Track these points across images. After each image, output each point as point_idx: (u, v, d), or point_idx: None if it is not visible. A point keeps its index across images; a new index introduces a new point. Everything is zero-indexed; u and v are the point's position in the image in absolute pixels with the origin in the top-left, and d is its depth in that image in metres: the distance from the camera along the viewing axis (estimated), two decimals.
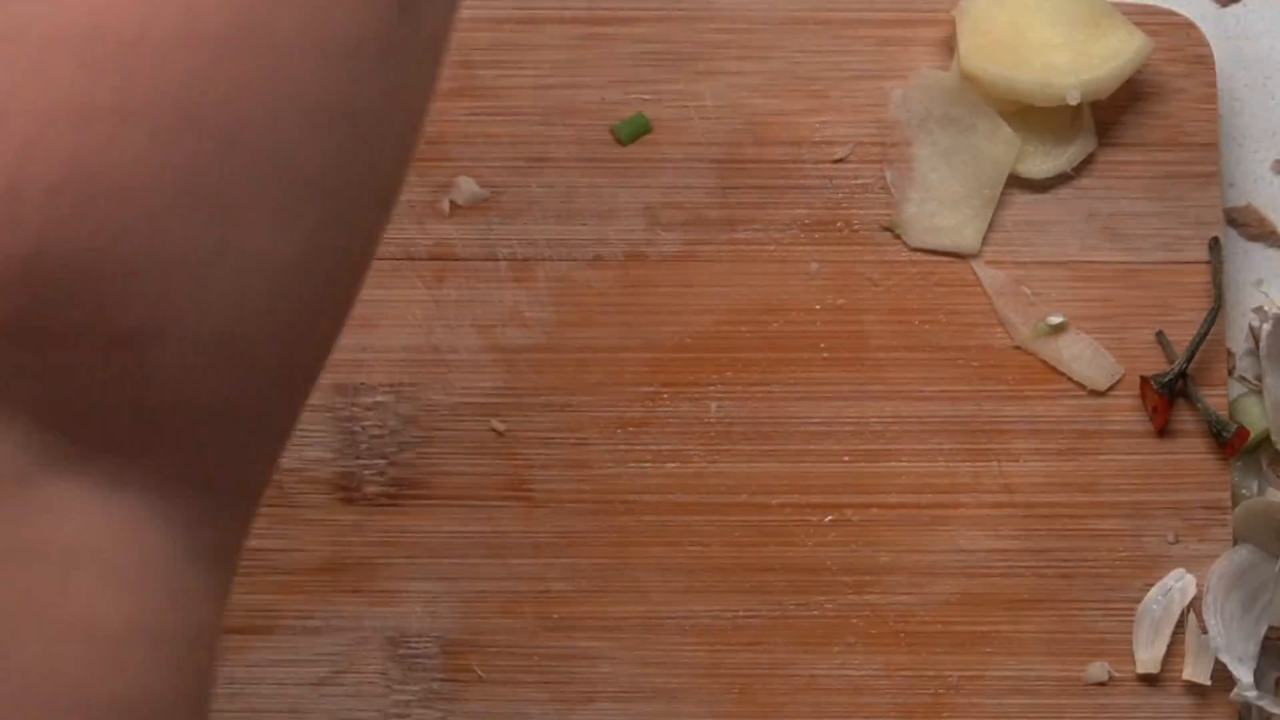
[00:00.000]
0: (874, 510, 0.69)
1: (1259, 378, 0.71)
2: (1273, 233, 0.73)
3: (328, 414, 0.69)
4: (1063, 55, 0.70)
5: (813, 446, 0.69)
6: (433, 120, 0.71)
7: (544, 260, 0.70)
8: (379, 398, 0.69)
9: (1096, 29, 0.71)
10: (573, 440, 0.69)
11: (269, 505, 0.69)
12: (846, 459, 0.70)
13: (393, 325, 0.69)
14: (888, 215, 0.71)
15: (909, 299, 0.70)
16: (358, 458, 0.69)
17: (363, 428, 0.68)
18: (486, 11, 0.72)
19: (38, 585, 0.34)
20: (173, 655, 0.37)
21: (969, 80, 0.71)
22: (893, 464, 0.70)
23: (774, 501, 0.69)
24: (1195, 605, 0.68)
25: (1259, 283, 0.72)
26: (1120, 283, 0.71)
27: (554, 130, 0.71)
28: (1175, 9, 0.73)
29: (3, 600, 0.34)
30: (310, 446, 0.69)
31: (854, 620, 0.69)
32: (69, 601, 0.35)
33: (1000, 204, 0.71)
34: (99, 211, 0.34)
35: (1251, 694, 0.67)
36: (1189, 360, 0.69)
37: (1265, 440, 0.70)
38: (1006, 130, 0.71)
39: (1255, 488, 0.70)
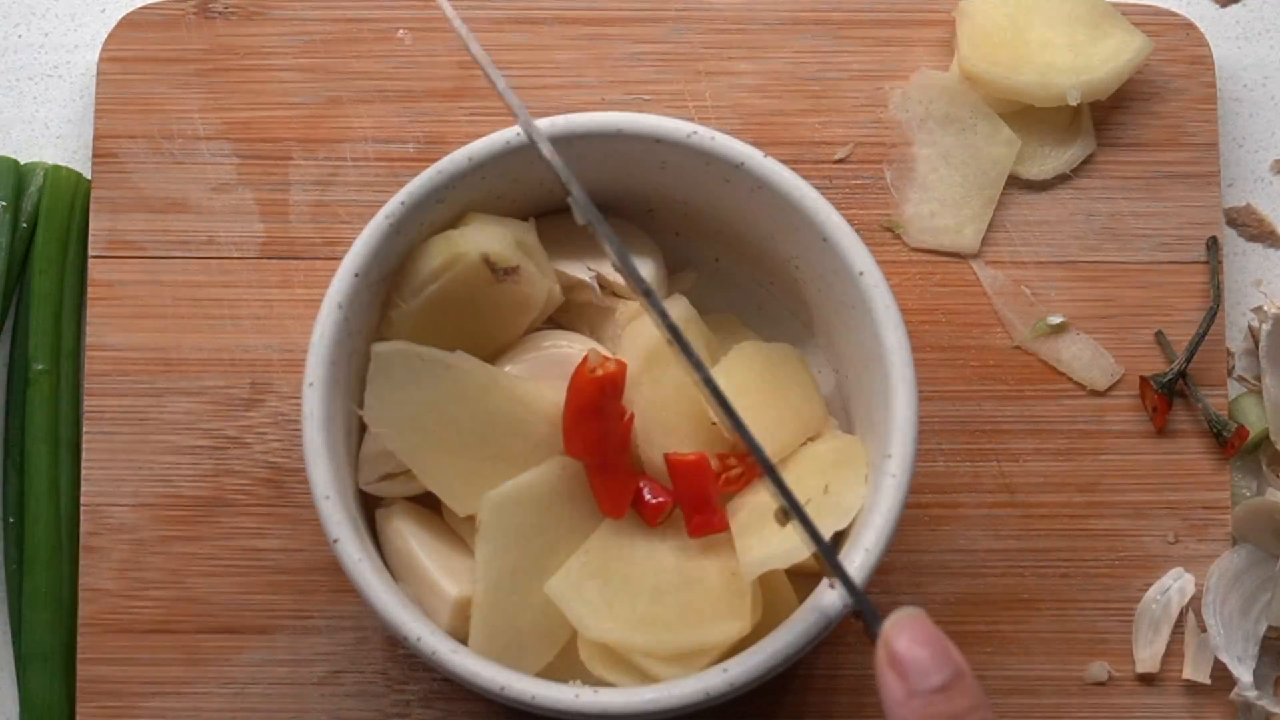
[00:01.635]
0: None
1: (1258, 378, 0.71)
2: (1272, 233, 0.73)
3: None
4: (1063, 55, 0.70)
5: None
6: (433, 120, 0.71)
7: None
8: None
9: (1096, 29, 0.71)
10: None
11: (269, 505, 0.69)
12: None
13: None
14: (888, 215, 0.71)
15: (909, 299, 0.70)
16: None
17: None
18: (486, 11, 0.72)
19: None
20: None
21: (969, 80, 0.71)
22: None
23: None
24: (1194, 604, 0.68)
25: (1258, 283, 0.72)
26: (1120, 283, 0.71)
27: None
28: (1175, 9, 0.73)
29: None
30: None
31: (854, 620, 0.68)
32: None
33: (1000, 204, 0.71)
34: None
35: (1251, 694, 0.67)
36: (1188, 360, 0.69)
37: (1265, 440, 0.70)
38: (1006, 130, 0.71)
39: (1254, 488, 0.70)
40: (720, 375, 0.61)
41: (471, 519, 0.61)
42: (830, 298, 0.63)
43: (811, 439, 0.63)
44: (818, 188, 0.70)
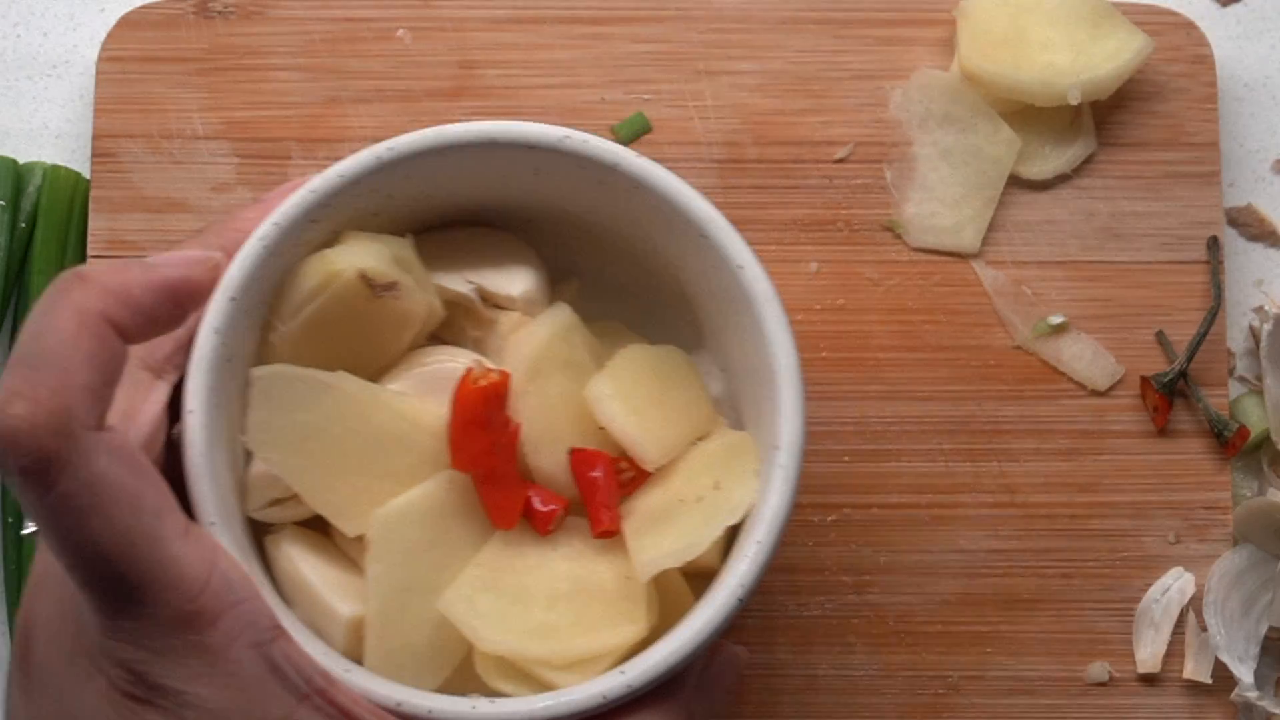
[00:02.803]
0: (874, 510, 0.69)
1: (1259, 378, 0.71)
2: (1273, 233, 0.73)
3: None
4: (1063, 55, 0.70)
5: (813, 446, 0.69)
6: (433, 120, 0.71)
7: None
8: None
9: (1097, 29, 0.71)
10: None
11: None
12: (846, 459, 0.70)
13: None
14: (888, 215, 0.71)
15: (909, 299, 0.70)
16: None
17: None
18: (486, 11, 0.72)
19: None
20: None
21: (969, 80, 0.71)
22: (893, 464, 0.70)
23: None
24: (1195, 604, 0.68)
25: (1259, 283, 0.72)
26: (1120, 283, 0.71)
27: None
28: (1175, 9, 0.73)
29: None
30: None
31: (854, 620, 0.69)
32: None
33: (1000, 204, 0.71)
34: None
35: (1252, 694, 0.67)
36: (1189, 360, 0.69)
37: (1265, 440, 0.70)
38: (1006, 130, 0.71)
39: (1255, 488, 0.70)
40: (606, 380, 0.62)
41: (361, 539, 0.60)
42: (713, 294, 0.63)
43: (701, 438, 0.63)
44: (818, 188, 0.71)
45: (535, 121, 0.71)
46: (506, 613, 0.60)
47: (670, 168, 0.71)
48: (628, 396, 0.61)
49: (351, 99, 0.71)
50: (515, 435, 0.61)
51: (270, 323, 0.61)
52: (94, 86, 0.71)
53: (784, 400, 0.59)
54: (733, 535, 0.60)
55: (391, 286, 0.61)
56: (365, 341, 0.62)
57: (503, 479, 0.61)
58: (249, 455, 0.61)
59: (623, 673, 0.57)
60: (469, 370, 0.60)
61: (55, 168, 0.71)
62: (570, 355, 0.62)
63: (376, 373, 0.63)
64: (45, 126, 0.73)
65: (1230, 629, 0.68)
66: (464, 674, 0.60)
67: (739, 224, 0.70)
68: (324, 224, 0.61)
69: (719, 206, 0.70)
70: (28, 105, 0.74)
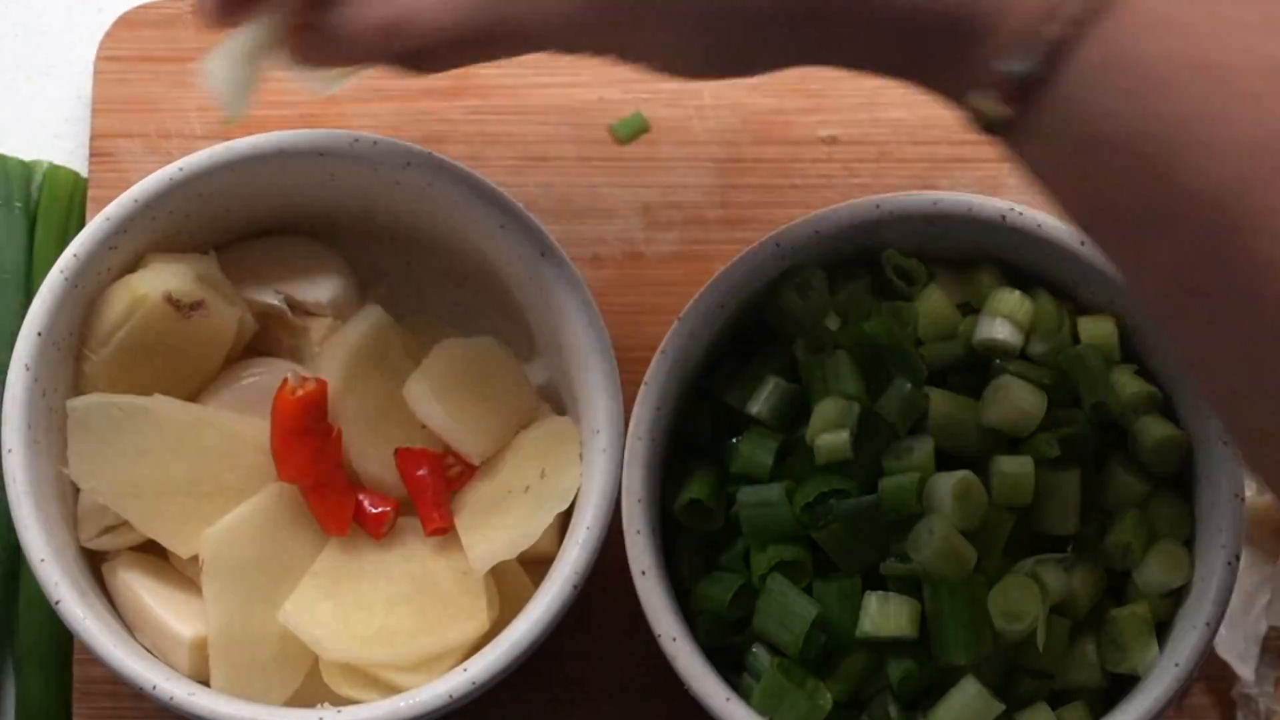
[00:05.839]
0: None
1: None
2: None
3: None
4: None
5: None
6: (432, 120, 0.71)
7: None
8: None
9: None
10: None
11: None
12: None
13: None
14: None
15: None
16: None
17: None
18: None
19: None
20: None
21: None
22: None
23: None
24: None
25: None
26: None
27: (553, 130, 0.71)
28: None
29: None
30: None
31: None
32: None
33: None
34: None
35: (1253, 690, 0.67)
36: None
37: None
38: None
39: (1255, 488, 0.70)
40: (423, 378, 0.62)
41: (197, 559, 0.61)
42: (521, 282, 0.63)
43: (525, 427, 0.64)
44: (817, 187, 0.70)
45: (528, 121, 0.71)
46: (348, 619, 0.60)
47: (669, 167, 0.71)
48: (446, 393, 0.62)
49: (351, 99, 0.71)
50: (338, 441, 0.62)
51: (82, 353, 0.62)
52: (92, 86, 0.71)
53: (598, 383, 0.60)
54: (567, 518, 0.61)
55: (198, 305, 0.61)
56: (179, 362, 0.62)
57: (331, 486, 0.61)
58: (77, 486, 0.61)
59: (465, 669, 0.58)
60: (285, 381, 0.60)
61: (54, 167, 0.71)
62: (385, 356, 0.63)
63: (194, 392, 0.63)
64: (44, 126, 0.73)
65: (1230, 627, 0.68)
66: (313, 684, 0.61)
67: (738, 223, 0.70)
68: (124, 249, 0.62)
69: (718, 206, 0.71)
70: (25, 105, 0.74)
